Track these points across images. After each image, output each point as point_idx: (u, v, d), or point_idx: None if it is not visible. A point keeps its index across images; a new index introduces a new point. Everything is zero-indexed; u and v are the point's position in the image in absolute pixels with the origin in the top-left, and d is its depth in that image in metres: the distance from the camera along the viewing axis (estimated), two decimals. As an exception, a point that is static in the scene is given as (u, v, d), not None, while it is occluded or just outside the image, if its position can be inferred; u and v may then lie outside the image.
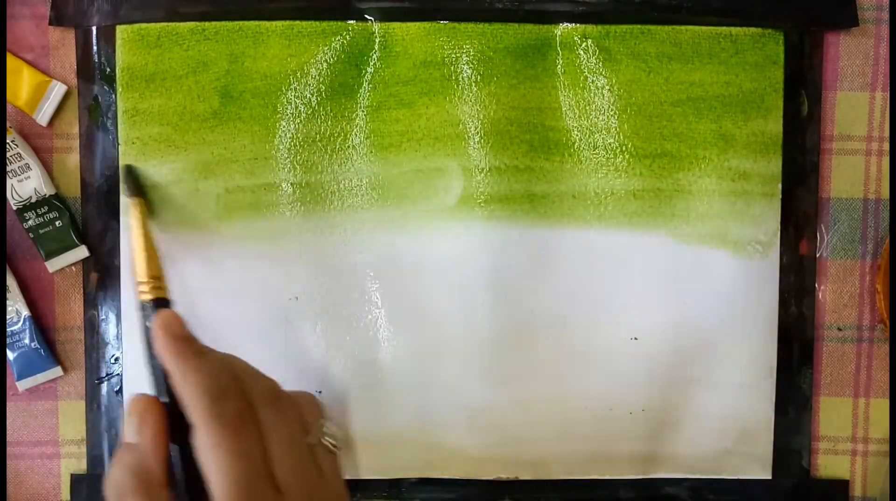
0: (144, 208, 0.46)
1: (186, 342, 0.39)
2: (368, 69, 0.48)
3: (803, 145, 0.49)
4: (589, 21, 0.48)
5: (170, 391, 0.39)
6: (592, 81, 0.48)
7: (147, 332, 0.41)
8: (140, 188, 0.47)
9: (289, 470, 0.37)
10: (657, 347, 0.48)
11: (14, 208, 0.48)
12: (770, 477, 0.50)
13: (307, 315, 0.48)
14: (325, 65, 0.48)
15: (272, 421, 0.38)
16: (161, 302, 0.43)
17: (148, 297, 0.43)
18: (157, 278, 0.43)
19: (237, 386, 0.38)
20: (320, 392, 0.49)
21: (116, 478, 0.37)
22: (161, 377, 0.40)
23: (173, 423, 0.38)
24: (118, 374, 0.49)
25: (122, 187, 0.48)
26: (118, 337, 0.49)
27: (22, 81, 0.48)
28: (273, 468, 0.37)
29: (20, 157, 0.47)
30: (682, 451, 0.49)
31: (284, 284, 0.48)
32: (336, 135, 0.48)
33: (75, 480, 0.50)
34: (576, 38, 0.48)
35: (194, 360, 0.38)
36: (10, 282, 0.48)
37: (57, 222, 0.48)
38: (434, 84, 0.48)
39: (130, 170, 0.47)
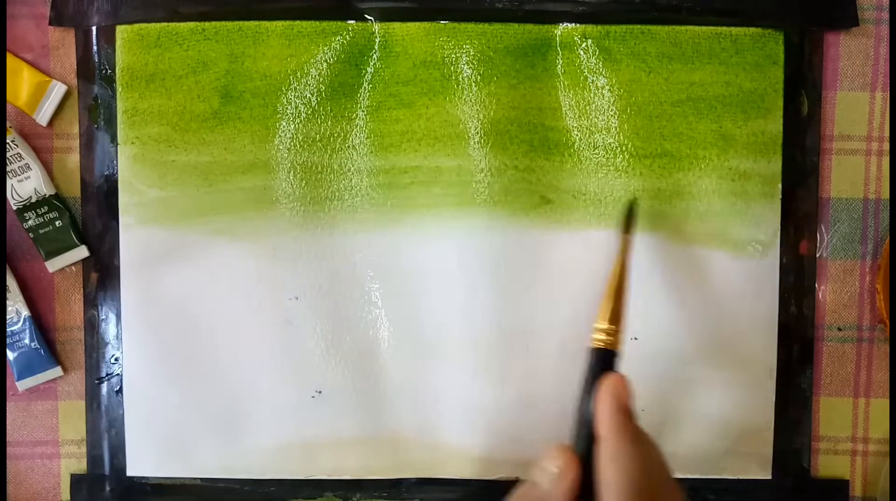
0: (631, 248, 0.45)
1: (628, 419, 0.38)
2: (368, 69, 0.48)
3: (803, 145, 0.49)
4: (589, 21, 0.48)
5: (589, 452, 0.38)
6: (592, 81, 0.48)
7: (588, 378, 0.40)
8: (632, 226, 0.46)
9: None
10: (657, 347, 0.48)
11: (14, 208, 0.48)
12: (770, 477, 0.50)
13: (307, 315, 0.48)
14: (325, 65, 0.48)
15: None
16: (610, 356, 0.41)
17: (600, 345, 0.42)
18: (616, 327, 0.42)
19: (653, 491, 0.37)
20: (320, 392, 0.49)
21: None
22: (587, 433, 0.39)
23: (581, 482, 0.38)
24: (118, 374, 0.49)
25: (621, 222, 0.46)
26: (118, 337, 0.49)
27: (22, 81, 0.48)
28: None
29: (20, 157, 0.47)
30: (682, 451, 0.49)
31: (284, 284, 0.48)
32: (336, 135, 0.48)
33: (75, 480, 0.50)
34: (576, 38, 0.48)
35: (631, 445, 0.37)
36: (10, 282, 0.48)
37: (57, 222, 0.48)
38: (434, 84, 0.48)
39: (632, 206, 0.46)
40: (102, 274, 0.49)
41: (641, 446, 0.38)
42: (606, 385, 0.39)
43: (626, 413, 0.38)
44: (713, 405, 0.49)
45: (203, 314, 0.48)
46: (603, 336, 0.42)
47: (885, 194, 0.49)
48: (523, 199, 0.48)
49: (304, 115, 0.48)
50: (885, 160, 0.49)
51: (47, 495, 0.50)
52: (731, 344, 0.49)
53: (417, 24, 0.47)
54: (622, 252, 0.45)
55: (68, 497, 0.50)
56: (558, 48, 0.48)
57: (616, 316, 0.42)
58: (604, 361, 0.41)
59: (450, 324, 0.48)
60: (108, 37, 0.48)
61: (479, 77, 0.47)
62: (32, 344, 0.48)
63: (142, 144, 0.48)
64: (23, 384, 0.49)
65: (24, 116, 0.48)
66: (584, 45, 0.48)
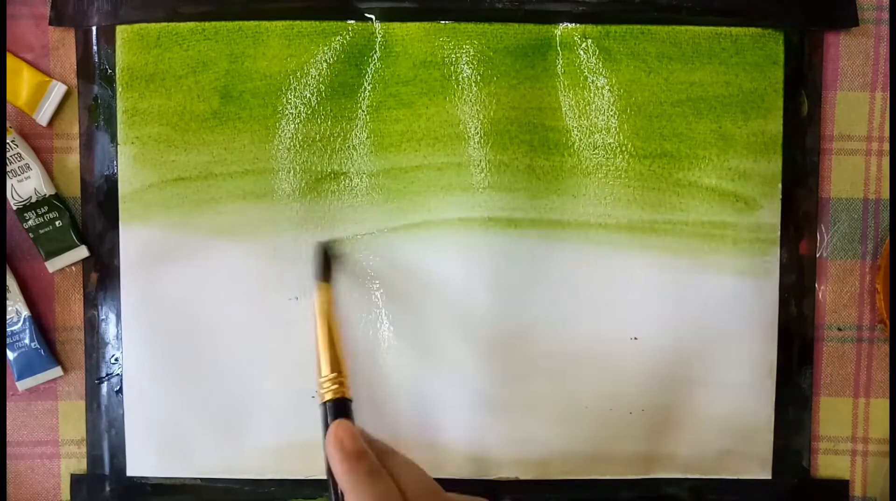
0: (331, 296, 0.45)
1: (358, 460, 0.38)
2: (368, 69, 0.48)
3: (803, 145, 0.49)
4: (589, 21, 0.48)
5: None
6: (592, 81, 0.48)
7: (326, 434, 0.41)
8: (330, 273, 0.46)
9: None
10: (657, 347, 0.48)
11: (14, 208, 0.48)
12: (770, 477, 0.50)
13: (307, 315, 0.48)
14: (325, 65, 0.48)
15: None
16: (339, 404, 0.42)
17: (328, 397, 0.42)
18: (338, 374, 0.42)
19: None
20: (320, 392, 0.49)
21: None
22: (336, 488, 0.39)
23: None
24: (118, 374, 0.49)
25: (315, 269, 0.47)
26: (118, 337, 0.49)
27: (22, 81, 0.48)
28: None
29: (20, 157, 0.47)
30: (682, 451, 0.49)
31: (284, 284, 0.48)
32: (336, 135, 0.48)
33: (75, 480, 0.50)
34: (576, 38, 0.48)
35: (364, 484, 0.37)
36: (10, 282, 0.48)
37: (57, 222, 0.48)
38: (434, 84, 0.48)
39: (326, 251, 0.47)
40: (102, 274, 0.49)
41: (376, 482, 0.37)
42: (329, 437, 0.39)
43: (354, 456, 0.38)
44: (713, 405, 0.49)
45: (203, 313, 0.48)
46: (328, 387, 0.42)
47: (885, 194, 0.49)
48: (523, 199, 0.48)
49: (304, 115, 0.48)
50: (885, 160, 0.49)
51: (47, 495, 0.50)
52: (731, 344, 0.49)
53: (417, 24, 0.47)
54: (323, 302, 0.45)
55: (68, 497, 0.50)
56: (558, 48, 0.48)
57: (336, 363, 0.43)
58: (338, 410, 0.42)
59: (450, 324, 0.48)
60: (108, 37, 0.48)
61: (479, 77, 0.47)
62: (32, 344, 0.48)
63: (142, 144, 0.48)
64: (23, 384, 0.49)
65: (24, 116, 0.48)
66: (584, 45, 0.48)
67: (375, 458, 0.38)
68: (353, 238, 0.48)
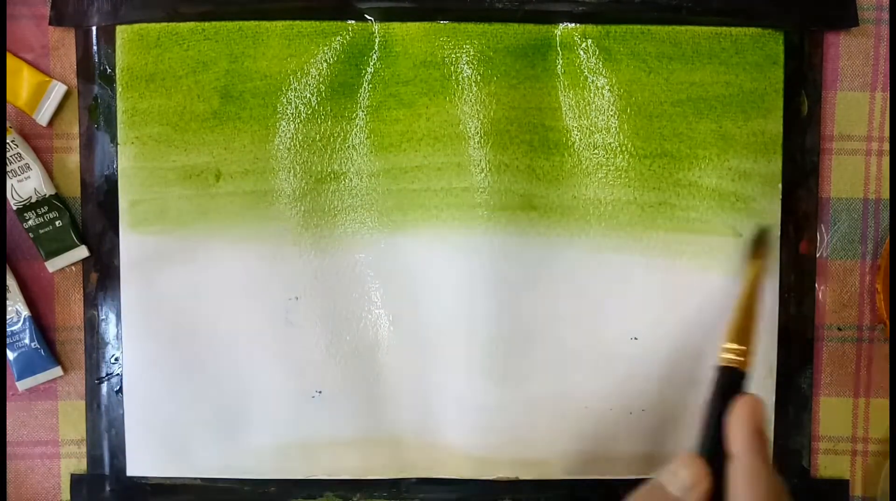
0: (760, 271, 0.46)
1: (764, 442, 0.39)
2: (368, 69, 0.48)
3: (803, 145, 0.49)
4: (589, 21, 0.48)
5: (719, 470, 0.39)
6: (592, 81, 0.48)
7: (716, 395, 0.41)
8: (764, 250, 0.47)
9: None
10: (657, 347, 0.48)
11: (14, 208, 0.48)
12: (770, 477, 0.50)
13: (307, 315, 0.48)
14: (325, 65, 0.48)
15: None
16: (738, 375, 0.42)
17: (728, 364, 0.42)
18: (745, 347, 0.42)
19: None
20: (320, 392, 0.49)
21: None
22: (716, 449, 0.40)
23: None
24: (118, 374, 0.49)
25: (752, 248, 0.47)
26: (118, 337, 0.49)
27: (22, 81, 0.48)
28: None
29: (20, 157, 0.47)
30: (682, 451, 0.49)
31: (284, 284, 0.48)
32: (336, 135, 0.48)
33: (75, 480, 0.50)
34: (576, 38, 0.48)
35: (767, 467, 0.39)
36: (10, 282, 0.48)
37: (57, 222, 0.48)
38: (434, 84, 0.47)
39: (765, 233, 0.48)
40: (102, 274, 0.49)
41: (772, 470, 0.39)
42: (743, 406, 0.40)
43: (761, 435, 0.39)
44: (713, 405, 0.49)
45: (203, 313, 0.48)
46: (731, 355, 0.42)
47: (885, 194, 0.49)
48: (523, 199, 0.48)
49: (304, 115, 0.48)
50: (885, 160, 0.49)
51: (47, 495, 0.50)
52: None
53: (417, 24, 0.47)
54: (756, 276, 0.46)
55: (68, 497, 0.50)
56: (558, 48, 0.48)
57: (747, 338, 0.43)
58: (731, 380, 0.42)
59: (450, 324, 0.48)
60: (108, 37, 0.48)
61: (479, 77, 0.47)
62: (32, 344, 0.48)
63: (142, 144, 0.48)
64: (23, 384, 0.49)
65: (24, 116, 0.48)
66: (584, 45, 0.48)
67: None
68: (353, 238, 0.48)
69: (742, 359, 0.42)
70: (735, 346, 0.43)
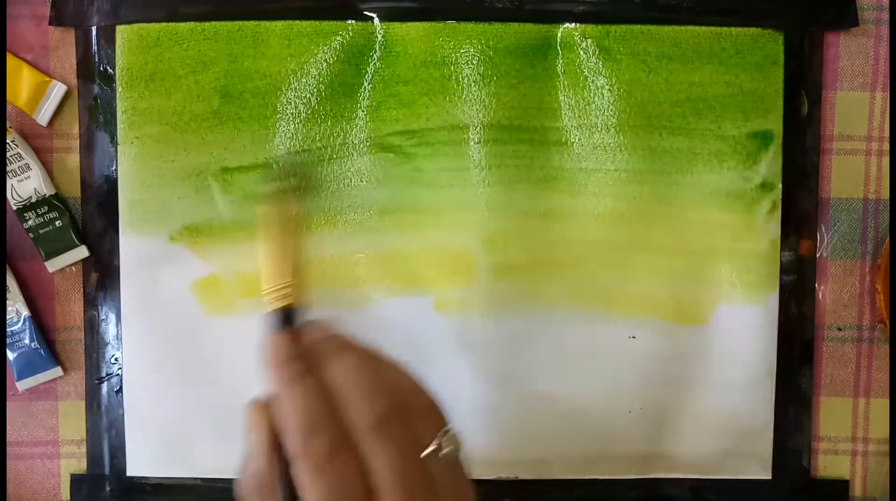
0: (287, 209, 0.39)
1: (284, 367, 0.36)
2: (368, 69, 0.48)
3: (803, 145, 0.49)
4: (589, 21, 0.48)
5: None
6: (592, 81, 0.48)
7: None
8: (288, 187, 0.39)
9: (398, 496, 0.34)
10: (656, 346, 0.48)
11: (14, 208, 0.48)
12: (770, 477, 0.50)
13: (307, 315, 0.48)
14: (325, 65, 0.48)
15: (375, 450, 0.34)
16: (287, 313, 0.37)
17: (278, 305, 0.37)
18: (292, 282, 0.37)
19: (332, 418, 0.35)
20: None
21: (242, 478, 0.36)
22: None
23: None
24: (118, 374, 0.49)
25: (279, 180, 0.39)
26: (118, 337, 0.49)
27: (22, 81, 0.48)
28: (379, 498, 0.34)
29: (20, 157, 0.47)
30: (682, 451, 0.49)
31: (284, 284, 0.48)
32: (336, 135, 0.48)
33: (75, 480, 0.50)
34: (576, 38, 0.48)
35: (289, 387, 0.35)
36: (10, 282, 0.48)
37: (57, 222, 0.48)
38: (434, 84, 0.47)
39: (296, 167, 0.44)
40: (102, 274, 0.49)
41: (301, 385, 0.35)
42: (266, 347, 0.36)
43: (281, 364, 0.36)
44: (713, 405, 0.49)
45: (203, 313, 0.48)
46: (278, 295, 0.37)
47: (885, 194, 0.49)
48: (523, 198, 0.48)
49: (304, 115, 0.48)
50: (885, 160, 0.49)
51: (47, 495, 0.50)
52: (731, 344, 0.49)
53: (418, 24, 0.47)
54: (279, 215, 0.38)
55: (68, 497, 0.50)
56: (558, 48, 0.48)
57: (287, 272, 0.37)
58: (285, 319, 0.37)
59: (450, 323, 0.48)
60: (108, 37, 0.48)
61: (479, 77, 0.47)
62: (32, 344, 0.48)
63: (142, 144, 0.48)
64: (23, 384, 0.49)
65: (24, 116, 0.48)
66: (584, 45, 0.48)
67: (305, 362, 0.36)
68: (353, 238, 0.48)
69: (291, 293, 0.37)
70: (279, 284, 0.37)
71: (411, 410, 0.37)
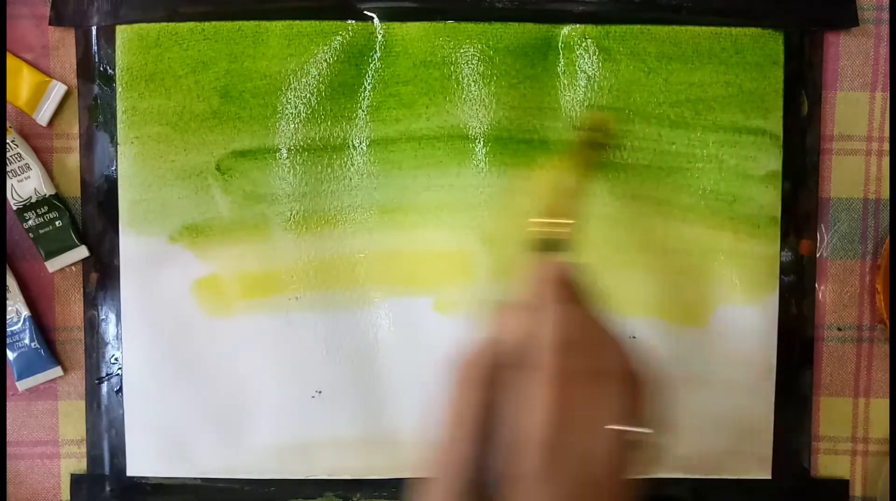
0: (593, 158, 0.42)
1: (552, 288, 0.37)
2: (368, 69, 0.48)
3: (803, 145, 0.49)
4: (589, 21, 0.48)
5: None
6: (592, 81, 0.48)
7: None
8: (602, 137, 0.44)
9: (588, 448, 0.36)
10: (655, 346, 0.48)
11: (14, 208, 0.48)
12: (770, 477, 0.50)
13: (307, 315, 0.48)
14: (325, 65, 0.48)
15: (585, 399, 0.35)
16: (554, 244, 0.39)
17: (547, 236, 0.39)
18: (567, 222, 0.40)
19: (586, 347, 0.36)
20: (320, 392, 0.49)
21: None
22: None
23: None
24: (118, 374, 0.49)
25: (592, 130, 0.44)
26: (118, 337, 0.49)
27: (22, 81, 0.48)
28: (574, 439, 0.35)
29: (20, 157, 0.47)
30: (682, 451, 0.49)
31: (284, 284, 0.48)
32: (336, 135, 0.48)
33: (75, 480, 0.50)
34: (576, 38, 0.48)
35: (557, 305, 0.36)
36: (10, 282, 0.48)
37: (57, 222, 0.48)
38: (434, 84, 0.47)
39: (603, 121, 0.46)
40: (102, 274, 0.49)
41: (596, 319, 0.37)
42: (543, 270, 0.38)
43: (568, 287, 0.38)
44: (713, 405, 0.49)
45: (202, 313, 0.48)
46: (551, 229, 0.40)
47: (885, 194, 0.49)
48: (523, 198, 0.48)
49: (304, 115, 0.48)
50: (885, 160, 0.49)
51: (47, 495, 0.50)
52: (731, 344, 0.49)
53: (418, 23, 0.47)
54: (585, 159, 0.42)
55: (68, 497, 0.50)
56: (558, 48, 0.48)
57: (567, 213, 0.40)
58: (549, 248, 0.39)
59: (450, 323, 0.48)
60: (108, 37, 0.48)
61: (479, 77, 0.47)
62: (32, 344, 0.48)
63: (142, 144, 0.48)
64: (23, 384, 0.49)
65: (24, 116, 0.48)
66: (584, 44, 0.48)
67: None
68: (353, 238, 0.48)
69: (565, 233, 0.39)
70: (559, 220, 0.40)
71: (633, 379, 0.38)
